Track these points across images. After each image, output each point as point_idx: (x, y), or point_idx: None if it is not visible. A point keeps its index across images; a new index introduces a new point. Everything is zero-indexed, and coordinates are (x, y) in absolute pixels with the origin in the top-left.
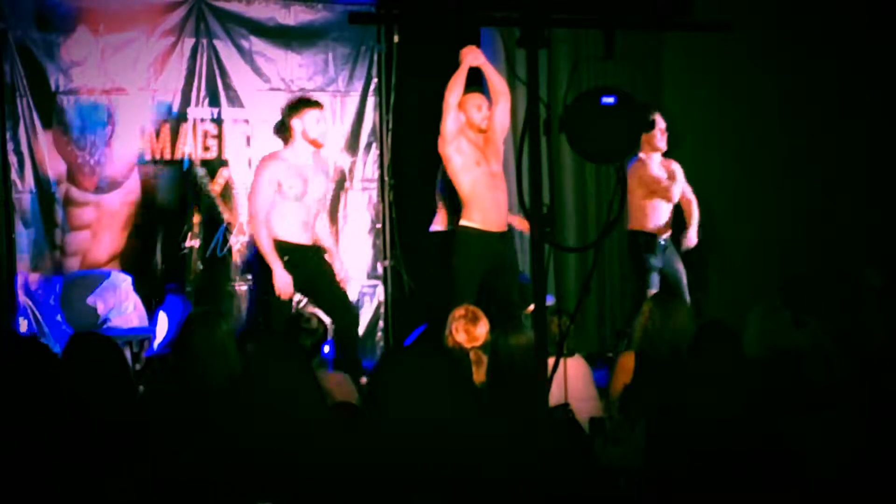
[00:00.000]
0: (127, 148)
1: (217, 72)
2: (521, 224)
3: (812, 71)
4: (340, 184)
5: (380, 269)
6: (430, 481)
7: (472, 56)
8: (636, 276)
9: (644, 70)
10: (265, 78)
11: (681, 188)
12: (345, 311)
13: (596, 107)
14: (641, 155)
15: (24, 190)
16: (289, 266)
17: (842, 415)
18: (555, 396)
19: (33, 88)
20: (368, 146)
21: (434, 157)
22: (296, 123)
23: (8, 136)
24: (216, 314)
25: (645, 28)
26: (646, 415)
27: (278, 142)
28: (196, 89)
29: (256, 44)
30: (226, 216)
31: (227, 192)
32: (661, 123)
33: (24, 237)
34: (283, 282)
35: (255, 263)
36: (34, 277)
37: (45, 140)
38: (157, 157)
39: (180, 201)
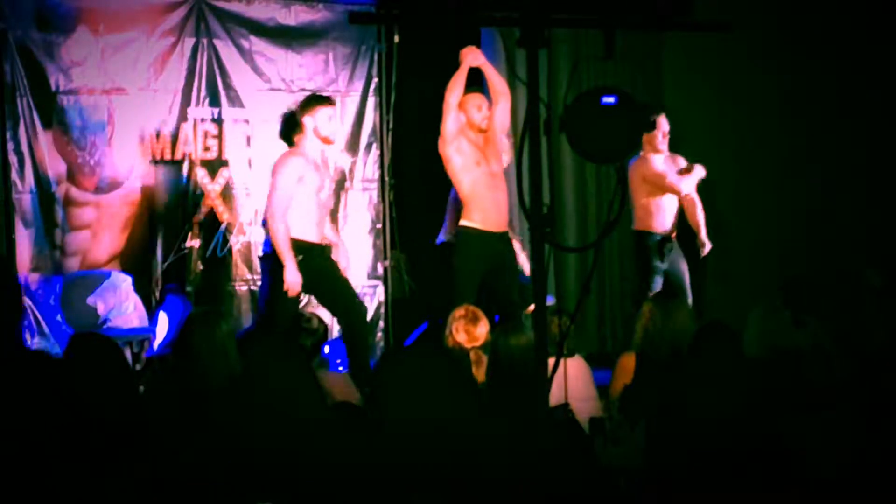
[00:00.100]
0: (127, 148)
1: (217, 72)
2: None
3: (812, 71)
4: (340, 184)
5: (380, 269)
6: (430, 481)
7: (472, 56)
8: (640, 277)
9: (644, 70)
10: (265, 78)
11: (694, 180)
12: (354, 313)
13: (596, 107)
14: (641, 154)
15: (24, 190)
16: (301, 265)
17: (842, 415)
18: (555, 396)
19: (33, 88)
20: (369, 146)
21: (434, 157)
22: (308, 121)
23: (8, 136)
24: (216, 314)
25: (645, 28)
26: (646, 415)
27: (278, 142)
28: (196, 89)
29: (257, 44)
30: (226, 216)
31: (227, 192)
32: (664, 126)
33: (24, 237)
34: (294, 280)
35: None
36: (34, 277)
37: (45, 140)
38: (157, 157)
39: (180, 201)
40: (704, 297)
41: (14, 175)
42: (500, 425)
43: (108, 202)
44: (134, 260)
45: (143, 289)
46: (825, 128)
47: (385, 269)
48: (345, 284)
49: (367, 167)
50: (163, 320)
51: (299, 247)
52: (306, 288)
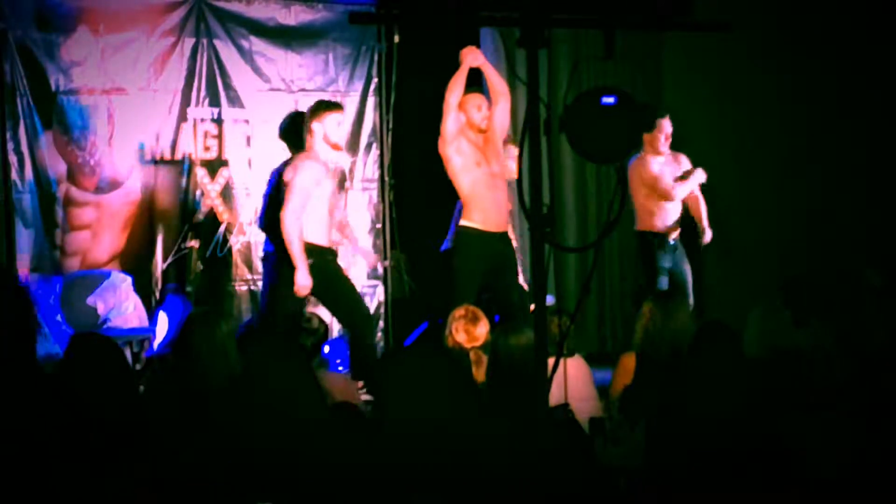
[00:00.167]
0: (127, 148)
1: (217, 72)
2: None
3: (812, 71)
4: (341, 184)
5: (380, 269)
6: (430, 481)
7: (472, 57)
8: (646, 277)
9: (644, 70)
10: (265, 78)
11: (691, 186)
12: (359, 318)
13: (596, 107)
14: (641, 154)
15: (24, 190)
16: (311, 268)
17: (842, 415)
18: (555, 396)
19: (33, 88)
20: (369, 146)
21: (434, 157)
22: (316, 127)
23: (8, 136)
24: (216, 314)
25: (645, 28)
26: (646, 415)
27: (279, 142)
28: (196, 89)
29: (257, 44)
30: (226, 216)
31: (227, 192)
32: (667, 128)
33: (24, 237)
34: (304, 283)
35: (266, 262)
36: (34, 277)
37: (45, 140)
38: (157, 157)
39: (180, 201)
40: (704, 296)
41: (14, 175)
42: (500, 425)
43: (108, 202)
44: (134, 260)
45: (143, 289)
46: (825, 128)
47: (385, 269)
48: (351, 289)
49: (367, 167)
50: (163, 320)
51: (310, 250)
52: (315, 291)
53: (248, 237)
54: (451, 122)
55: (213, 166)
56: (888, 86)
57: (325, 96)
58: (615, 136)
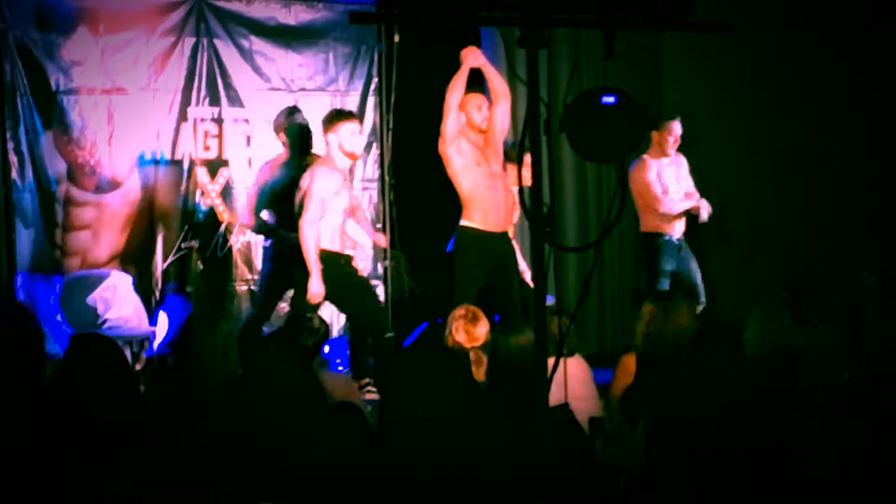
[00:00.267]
0: (127, 148)
1: (217, 71)
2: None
3: (812, 71)
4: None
5: (380, 269)
6: (431, 481)
7: (472, 57)
8: (647, 280)
9: (644, 70)
10: (265, 78)
11: (679, 209)
12: (377, 316)
13: (596, 107)
14: (645, 156)
15: (24, 190)
16: (324, 274)
17: (842, 415)
18: (555, 396)
19: (33, 88)
20: (369, 146)
21: (434, 157)
22: (331, 138)
23: (8, 136)
24: (216, 314)
25: (645, 28)
26: (646, 415)
27: (279, 142)
28: (196, 89)
29: (257, 43)
30: (226, 216)
31: (227, 191)
32: (676, 130)
33: (24, 237)
34: (317, 290)
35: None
36: (34, 277)
37: (45, 140)
38: (157, 157)
39: (180, 201)
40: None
41: (14, 175)
42: (501, 425)
43: (108, 202)
44: (134, 260)
45: (143, 289)
46: (825, 128)
47: (385, 269)
48: (364, 289)
49: (367, 167)
50: (163, 320)
51: (322, 257)
52: (329, 296)
53: (248, 237)
54: (452, 122)
55: (213, 166)
56: (888, 86)
57: (325, 96)
58: (615, 136)
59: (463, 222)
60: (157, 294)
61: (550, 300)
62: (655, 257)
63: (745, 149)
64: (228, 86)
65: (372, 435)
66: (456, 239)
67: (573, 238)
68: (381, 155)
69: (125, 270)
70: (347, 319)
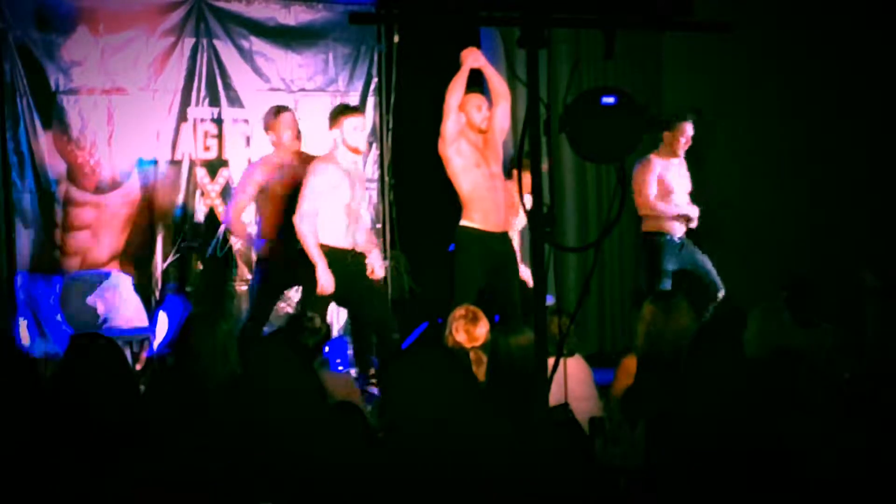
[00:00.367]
0: (127, 148)
1: (217, 72)
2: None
3: (812, 71)
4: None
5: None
6: (431, 481)
7: (472, 58)
8: (647, 281)
9: (644, 70)
10: (265, 78)
11: (669, 213)
12: (384, 315)
13: (596, 107)
14: (651, 156)
15: (24, 190)
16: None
17: (842, 415)
18: (555, 396)
19: (33, 88)
20: (369, 146)
21: (434, 157)
22: (335, 133)
23: (8, 136)
24: (216, 314)
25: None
26: (646, 415)
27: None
28: (196, 89)
29: (256, 44)
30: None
31: (227, 192)
32: (688, 131)
33: (23, 237)
34: (327, 280)
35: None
36: (34, 277)
37: (45, 140)
38: (157, 157)
39: (180, 201)
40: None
41: (14, 175)
42: (501, 425)
43: (108, 202)
44: (134, 260)
45: (143, 289)
46: (825, 128)
47: (385, 269)
48: (371, 287)
49: (367, 167)
50: (163, 320)
51: (326, 253)
52: (335, 295)
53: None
54: (452, 122)
55: (213, 166)
56: (888, 86)
57: (325, 96)
58: (615, 136)
59: (463, 222)
60: (157, 294)
61: (550, 300)
62: (657, 257)
63: (746, 149)
64: (228, 86)
65: (372, 435)
66: (456, 239)
67: (573, 238)
68: (381, 155)
69: (125, 270)
70: (351, 318)
